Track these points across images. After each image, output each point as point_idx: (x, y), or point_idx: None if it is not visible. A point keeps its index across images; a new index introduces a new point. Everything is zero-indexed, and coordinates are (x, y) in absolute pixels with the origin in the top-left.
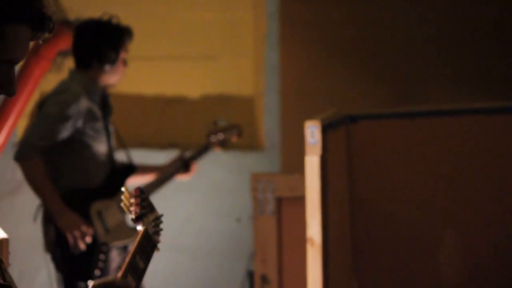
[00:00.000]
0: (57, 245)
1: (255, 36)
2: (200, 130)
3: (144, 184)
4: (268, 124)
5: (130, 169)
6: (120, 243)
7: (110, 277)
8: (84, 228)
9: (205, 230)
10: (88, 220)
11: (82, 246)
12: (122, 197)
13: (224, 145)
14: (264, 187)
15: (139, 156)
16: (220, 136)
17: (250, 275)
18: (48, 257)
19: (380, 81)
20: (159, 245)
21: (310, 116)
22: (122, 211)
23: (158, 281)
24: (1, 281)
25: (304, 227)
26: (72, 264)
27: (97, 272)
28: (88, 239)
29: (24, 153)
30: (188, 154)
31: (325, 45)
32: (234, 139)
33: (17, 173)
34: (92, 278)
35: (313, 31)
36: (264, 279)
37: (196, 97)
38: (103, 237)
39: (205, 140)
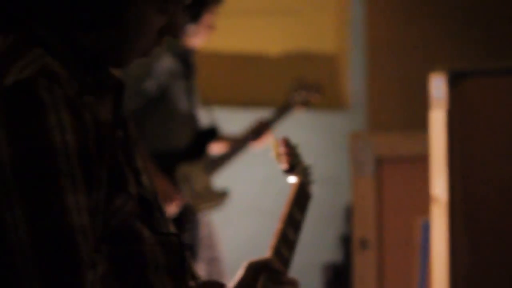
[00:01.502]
0: None
1: None
2: (281, 87)
3: (219, 153)
4: (354, 82)
5: (214, 131)
6: (207, 206)
7: (265, 257)
8: (175, 191)
9: (286, 192)
10: (174, 184)
11: (173, 211)
12: (272, 147)
13: (306, 104)
14: (363, 147)
15: (219, 115)
16: (302, 95)
17: (344, 239)
18: None
19: (476, 34)
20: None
21: (401, 73)
22: (207, 173)
23: (240, 244)
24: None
25: (405, 188)
26: None
27: (186, 236)
28: (179, 203)
29: None
30: (268, 115)
31: None
32: (316, 98)
33: None
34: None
35: None
36: (363, 243)
37: (277, 54)
38: (191, 200)
39: (286, 100)
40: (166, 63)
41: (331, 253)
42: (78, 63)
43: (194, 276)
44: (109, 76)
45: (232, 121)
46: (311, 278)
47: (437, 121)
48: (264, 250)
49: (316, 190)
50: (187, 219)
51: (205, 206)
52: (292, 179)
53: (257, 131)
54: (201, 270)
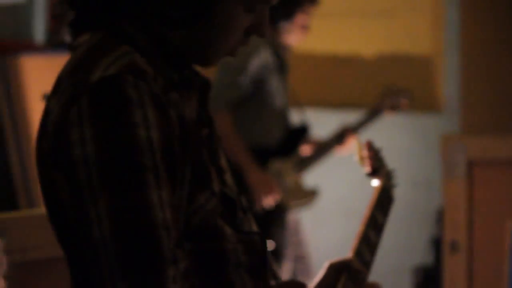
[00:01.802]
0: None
1: None
2: (374, 89)
3: (307, 154)
4: (448, 84)
5: (305, 129)
6: (297, 203)
7: (346, 258)
8: (274, 186)
9: None
10: None
11: (270, 204)
12: (357, 150)
13: (395, 109)
14: (455, 149)
15: (310, 115)
16: (392, 100)
17: (435, 242)
18: None
19: None
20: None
21: (495, 75)
22: (298, 171)
23: (331, 244)
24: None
25: (497, 191)
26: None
27: (275, 232)
28: (276, 198)
29: (213, 107)
30: (356, 119)
31: None
32: (405, 103)
33: None
34: (270, 238)
35: None
36: (454, 245)
37: (370, 56)
38: (281, 196)
39: (376, 104)
40: (263, 58)
41: (422, 256)
42: (165, 61)
43: (275, 276)
44: (196, 74)
45: (324, 122)
46: (401, 280)
47: None
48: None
49: (408, 192)
50: (276, 215)
51: (295, 203)
52: (375, 182)
53: (342, 136)
54: (288, 267)
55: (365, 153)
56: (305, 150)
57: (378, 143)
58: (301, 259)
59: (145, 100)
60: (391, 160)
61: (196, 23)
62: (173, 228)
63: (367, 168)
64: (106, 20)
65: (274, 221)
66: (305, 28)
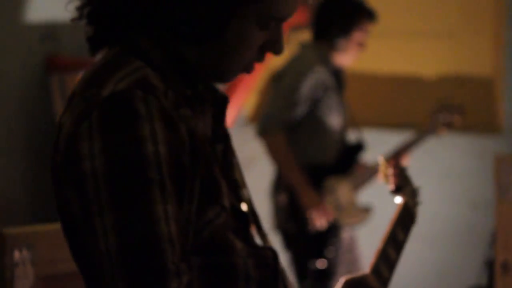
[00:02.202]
0: (292, 221)
1: (494, 13)
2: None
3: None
4: (508, 105)
5: (361, 147)
6: (351, 221)
7: (360, 274)
8: (326, 207)
9: (440, 216)
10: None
11: (322, 225)
12: (380, 167)
13: (449, 126)
14: (508, 169)
15: (371, 135)
16: (445, 117)
17: (489, 263)
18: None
19: None
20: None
21: None
22: (354, 189)
23: None
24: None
25: None
26: (305, 241)
27: (329, 251)
28: (328, 219)
29: (268, 128)
30: (410, 136)
31: None
32: (458, 120)
33: (248, 149)
34: (323, 257)
35: None
36: (505, 266)
37: (431, 76)
38: (336, 214)
39: (429, 121)
40: (318, 76)
41: (477, 276)
42: (179, 76)
43: None
44: (212, 91)
45: (384, 142)
46: None
47: None
48: (414, 274)
49: (467, 213)
50: (330, 234)
51: (349, 221)
52: (398, 200)
53: (397, 155)
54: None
55: (390, 171)
56: (360, 168)
57: (437, 164)
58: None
59: (153, 114)
60: (450, 181)
61: (210, 40)
62: (177, 241)
63: (391, 186)
64: (122, 36)
65: (328, 239)
66: (361, 45)
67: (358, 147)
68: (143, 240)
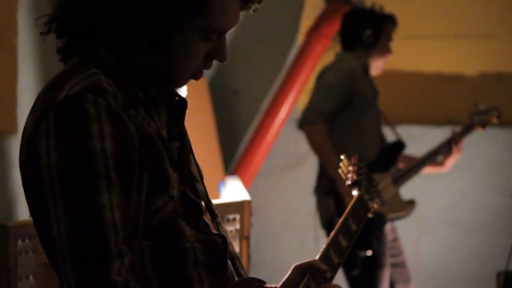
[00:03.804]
0: (335, 213)
1: None
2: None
3: (407, 165)
4: None
5: (401, 145)
6: (395, 215)
7: (312, 260)
8: None
9: (480, 205)
10: None
11: None
12: (341, 164)
13: (485, 125)
14: None
15: (416, 131)
16: (481, 117)
17: None
18: (323, 232)
19: None
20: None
21: None
22: (396, 184)
23: (432, 252)
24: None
25: None
26: None
27: (375, 243)
28: None
29: (308, 119)
30: (451, 135)
31: None
32: (494, 120)
33: (299, 147)
34: (371, 248)
35: None
36: None
37: (473, 75)
38: (380, 208)
39: (468, 121)
40: (357, 74)
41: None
42: (132, 82)
43: (240, 275)
44: (170, 94)
45: (429, 138)
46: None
47: None
48: (456, 261)
49: (503, 203)
50: (375, 227)
51: (393, 215)
52: (354, 193)
53: (446, 147)
54: (387, 274)
55: (350, 167)
56: (402, 164)
57: (479, 157)
58: (399, 266)
59: (102, 115)
60: (491, 172)
61: (157, 51)
62: (121, 227)
63: (349, 180)
64: (85, 47)
65: (373, 232)
66: (389, 51)
67: (399, 146)
68: (89, 225)
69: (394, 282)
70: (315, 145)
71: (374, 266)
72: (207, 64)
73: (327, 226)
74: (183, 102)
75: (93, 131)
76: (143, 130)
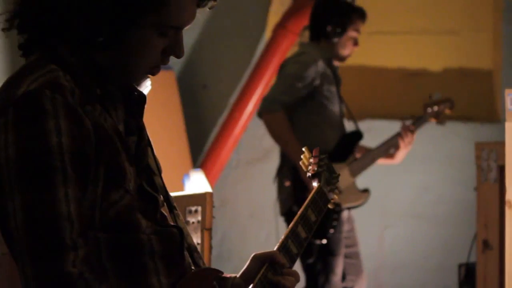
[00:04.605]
0: (293, 202)
1: (493, 11)
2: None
3: (363, 155)
4: (504, 97)
5: (359, 135)
6: (351, 204)
7: (270, 251)
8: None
9: (443, 198)
10: None
11: None
12: (302, 156)
13: (438, 117)
14: (488, 155)
15: (379, 126)
16: (435, 108)
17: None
18: (282, 219)
19: None
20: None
21: None
22: (352, 174)
23: (397, 244)
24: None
25: None
26: None
27: (331, 231)
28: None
29: (267, 107)
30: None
31: None
32: (447, 111)
33: (266, 141)
34: (326, 237)
35: None
36: (486, 244)
37: (437, 70)
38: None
39: (421, 112)
40: (320, 67)
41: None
42: (90, 78)
43: (198, 265)
44: (129, 90)
45: (391, 133)
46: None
47: (511, 132)
48: (419, 253)
49: (464, 196)
50: (330, 215)
51: (348, 204)
52: (314, 184)
53: (394, 143)
54: (341, 263)
55: (311, 159)
56: (359, 155)
57: (441, 151)
58: (351, 258)
59: (59, 111)
60: (452, 166)
61: (114, 47)
62: (77, 220)
63: (309, 172)
64: (44, 43)
65: (328, 221)
66: (355, 43)
67: (356, 136)
68: (45, 218)
69: (346, 274)
70: (274, 134)
71: (328, 253)
72: (164, 60)
73: (286, 214)
74: (141, 97)
75: (50, 126)
76: (99, 125)
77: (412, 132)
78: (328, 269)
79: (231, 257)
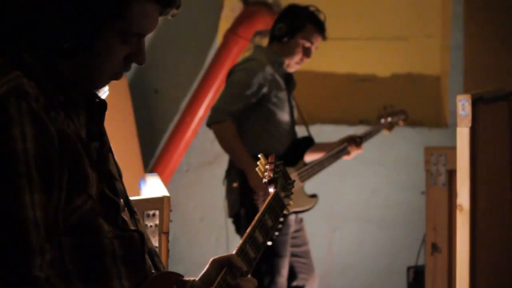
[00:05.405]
0: (241, 205)
1: (442, 18)
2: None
3: (312, 161)
4: (452, 102)
5: (310, 141)
6: (298, 209)
7: (229, 254)
8: (264, 188)
9: (391, 202)
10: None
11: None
12: (258, 162)
13: (391, 128)
14: (437, 160)
15: (329, 131)
16: (389, 119)
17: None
18: (230, 221)
19: None
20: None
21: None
22: (301, 179)
23: (345, 247)
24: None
25: None
26: None
27: (276, 234)
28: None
29: (215, 117)
30: (359, 134)
31: (508, 27)
32: (401, 123)
33: (216, 145)
34: (271, 240)
35: (495, 13)
36: (435, 247)
37: (386, 76)
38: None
39: (376, 122)
40: (267, 74)
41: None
42: (54, 84)
43: (158, 269)
44: (90, 96)
45: (340, 137)
46: (398, 279)
47: (462, 136)
48: (368, 256)
49: (412, 199)
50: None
51: (296, 209)
52: (270, 190)
53: (345, 149)
54: (287, 264)
55: (267, 166)
56: (312, 158)
57: (390, 155)
58: (302, 257)
59: (24, 117)
60: (401, 170)
61: (78, 54)
62: (43, 225)
63: (266, 178)
64: (9, 49)
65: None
66: (306, 52)
67: (307, 142)
68: (12, 223)
69: (297, 272)
70: (222, 142)
71: (273, 255)
72: (126, 67)
73: (235, 217)
74: (102, 103)
75: (15, 133)
76: (63, 131)
77: (359, 145)
78: (273, 271)
79: (182, 260)
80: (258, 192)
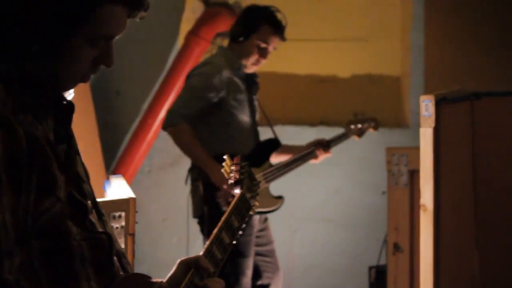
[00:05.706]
0: (204, 203)
1: (402, 19)
2: (349, 108)
3: (279, 163)
4: (413, 102)
5: (275, 143)
6: (263, 209)
7: (196, 256)
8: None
9: (353, 202)
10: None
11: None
12: (224, 163)
13: (361, 135)
14: (398, 160)
15: (290, 132)
16: (358, 126)
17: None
18: (193, 223)
19: None
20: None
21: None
22: (266, 180)
23: (306, 248)
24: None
25: None
26: (217, 223)
27: (239, 233)
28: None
29: (171, 121)
30: (327, 138)
31: (468, 28)
32: (371, 130)
33: (177, 147)
34: (235, 238)
35: (455, 14)
36: (397, 246)
37: (346, 77)
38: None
39: (345, 128)
40: (224, 77)
41: (379, 256)
42: (21, 87)
43: (126, 271)
44: (58, 99)
45: (303, 138)
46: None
47: (425, 136)
48: (329, 256)
49: (373, 199)
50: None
51: (261, 209)
52: (236, 191)
53: (313, 152)
54: (251, 263)
55: (233, 167)
56: (279, 159)
57: (351, 156)
58: (267, 256)
59: None
60: (362, 171)
61: (45, 56)
62: (12, 228)
63: (232, 179)
64: None
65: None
66: (262, 53)
67: (273, 144)
68: None
69: (262, 271)
70: (179, 144)
71: (237, 255)
72: (94, 69)
73: (200, 217)
74: (70, 105)
75: None
76: (31, 134)
77: (326, 149)
78: (237, 271)
79: (145, 260)
80: (221, 187)
